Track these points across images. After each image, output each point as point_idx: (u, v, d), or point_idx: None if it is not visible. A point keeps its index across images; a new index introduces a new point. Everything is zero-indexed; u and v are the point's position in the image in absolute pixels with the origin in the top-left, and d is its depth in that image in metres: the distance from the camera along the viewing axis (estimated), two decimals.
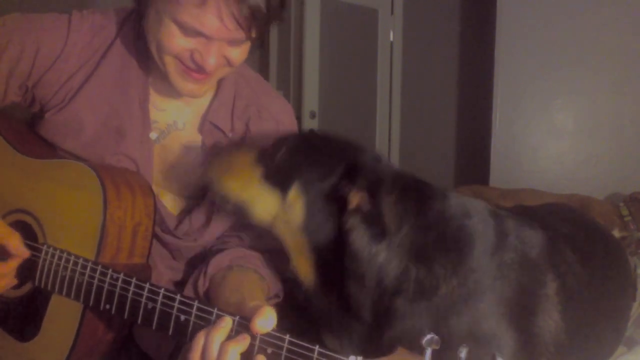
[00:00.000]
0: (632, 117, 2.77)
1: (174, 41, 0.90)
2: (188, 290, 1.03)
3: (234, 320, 0.73)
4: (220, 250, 1.06)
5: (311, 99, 3.42)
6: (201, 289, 1.01)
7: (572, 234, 1.08)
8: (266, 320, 0.70)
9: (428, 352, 0.64)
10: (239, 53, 0.95)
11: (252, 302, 0.81)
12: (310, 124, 3.40)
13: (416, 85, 3.93)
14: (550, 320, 0.91)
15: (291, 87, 3.43)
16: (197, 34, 0.89)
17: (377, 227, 0.88)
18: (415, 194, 0.94)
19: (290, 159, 0.95)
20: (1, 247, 0.89)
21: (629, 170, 2.73)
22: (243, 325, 0.73)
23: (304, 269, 0.96)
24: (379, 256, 0.89)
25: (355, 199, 0.89)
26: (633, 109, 2.77)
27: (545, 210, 1.24)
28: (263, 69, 3.53)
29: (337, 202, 0.91)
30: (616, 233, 2.03)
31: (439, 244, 0.90)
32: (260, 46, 0.99)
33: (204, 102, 1.07)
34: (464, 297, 0.88)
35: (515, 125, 3.03)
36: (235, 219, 1.08)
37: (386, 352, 0.66)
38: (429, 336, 0.64)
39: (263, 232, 1.10)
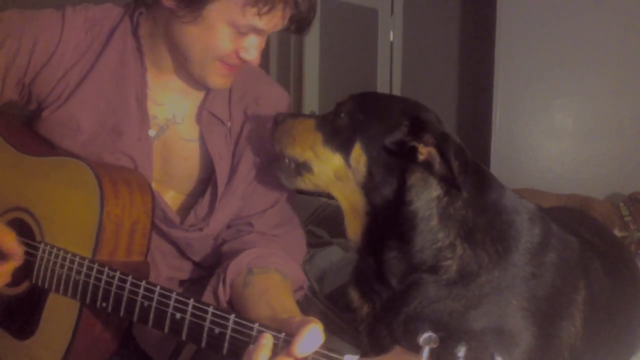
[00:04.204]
0: (632, 117, 2.77)
1: (227, 43, 0.93)
2: (208, 298, 0.99)
3: (276, 342, 0.69)
4: (236, 252, 1.03)
5: (311, 99, 3.41)
6: (223, 297, 0.98)
7: (593, 241, 1.08)
8: (310, 340, 0.65)
9: (425, 350, 0.62)
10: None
11: (286, 315, 0.78)
12: None
13: (416, 85, 3.93)
14: (572, 326, 0.90)
15: (291, 87, 3.43)
16: (253, 31, 0.93)
17: (443, 186, 0.87)
18: (475, 170, 0.93)
19: (350, 120, 0.95)
20: None
21: (629, 170, 2.73)
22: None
23: (354, 229, 0.97)
24: (432, 220, 0.88)
25: (425, 152, 0.87)
26: (633, 109, 2.77)
27: (561, 215, 1.23)
28: (263, 69, 3.51)
29: (402, 157, 0.90)
30: (616, 233, 2.02)
31: (488, 231, 0.90)
32: None
33: (200, 93, 1.07)
34: (499, 290, 0.87)
35: (515, 125, 3.03)
36: (242, 203, 1.08)
37: (384, 350, 0.66)
38: (426, 335, 0.63)
39: (271, 213, 1.09)
